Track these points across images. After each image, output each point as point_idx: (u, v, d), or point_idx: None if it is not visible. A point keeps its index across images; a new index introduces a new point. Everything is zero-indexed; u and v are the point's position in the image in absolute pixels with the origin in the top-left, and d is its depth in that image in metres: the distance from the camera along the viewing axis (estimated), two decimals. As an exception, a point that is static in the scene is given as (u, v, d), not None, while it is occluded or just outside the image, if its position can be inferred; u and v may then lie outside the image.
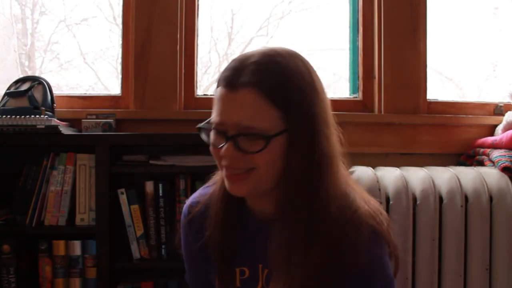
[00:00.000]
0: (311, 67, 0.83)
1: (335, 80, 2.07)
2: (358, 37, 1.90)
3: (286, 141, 0.77)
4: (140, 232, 1.52)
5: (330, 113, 0.83)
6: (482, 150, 1.70)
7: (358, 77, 1.89)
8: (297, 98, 0.77)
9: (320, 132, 0.79)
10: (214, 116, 0.79)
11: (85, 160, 1.53)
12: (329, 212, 0.78)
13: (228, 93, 0.77)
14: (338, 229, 0.78)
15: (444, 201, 1.49)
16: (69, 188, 1.52)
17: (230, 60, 0.82)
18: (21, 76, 1.71)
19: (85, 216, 1.54)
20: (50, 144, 1.54)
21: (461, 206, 1.48)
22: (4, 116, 1.49)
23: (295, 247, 0.78)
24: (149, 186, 1.53)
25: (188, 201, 0.98)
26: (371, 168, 1.58)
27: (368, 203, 0.83)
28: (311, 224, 0.78)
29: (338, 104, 1.85)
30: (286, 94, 0.76)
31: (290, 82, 0.77)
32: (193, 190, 1.54)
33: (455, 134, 1.83)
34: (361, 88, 1.88)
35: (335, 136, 0.83)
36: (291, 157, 0.77)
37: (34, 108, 1.56)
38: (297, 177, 0.78)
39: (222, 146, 0.78)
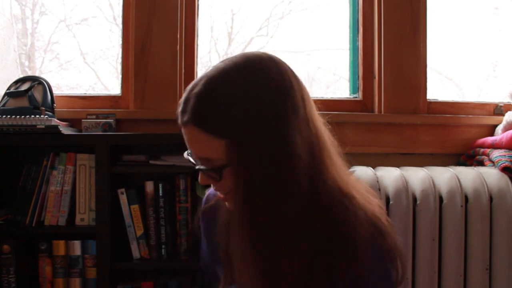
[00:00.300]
0: (270, 74, 0.77)
1: (335, 80, 2.07)
2: (358, 37, 1.90)
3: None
4: (140, 232, 1.52)
5: (300, 121, 0.77)
6: (482, 150, 1.70)
7: (358, 77, 1.89)
8: (238, 123, 0.74)
9: (269, 150, 0.74)
10: None
11: (85, 160, 1.53)
12: (290, 228, 0.76)
13: (182, 128, 0.79)
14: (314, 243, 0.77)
15: (444, 201, 1.49)
16: (69, 188, 1.53)
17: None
18: (21, 76, 1.71)
19: (85, 216, 1.54)
20: (50, 144, 1.54)
21: (461, 206, 1.48)
22: (4, 116, 1.49)
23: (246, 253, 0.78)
24: (149, 186, 1.53)
25: (207, 192, 1.01)
26: (371, 168, 1.58)
27: (367, 212, 0.80)
28: (264, 238, 0.76)
29: (338, 104, 1.86)
30: (225, 123, 0.74)
31: (228, 109, 0.74)
32: (193, 190, 1.54)
33: (455, 134, 1.84)
34: (361, 88, 1.88)
35: (304, 147, 0.76)
36: (242, 180, 0.76)
37: (34, 108, 1.56)
38: (247, 196, 0.76)
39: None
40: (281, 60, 0.81)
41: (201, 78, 0.77)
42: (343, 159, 0.86)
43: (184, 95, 0.78)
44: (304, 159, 0.76)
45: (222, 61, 0.79)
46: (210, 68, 0.79)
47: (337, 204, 0.79)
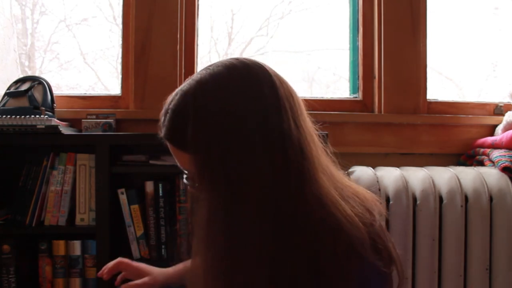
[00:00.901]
0: (247, 88, 0.73)
1: (335, 80, 2.07)
2: (358, 37, 1.90)
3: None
4: (140, 232, 1.52)
5: (275, 137, 0.72)
6: (482, 150, 1.70)
7: (358, 77, 1.89)
8: (202, 140, 0.72)
9: (228, 170, 0.71)
10: None
11: (85, 160, 1.53)
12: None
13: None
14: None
15: (444, 201, 1.49)
16: (69, 188, 1.52)
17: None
18: (21, 76, 1.71)
19: (85, 216, 1.54)
20: (50, 144, 1.54)
21: (461, 206, 1.48)
22: (4, 116, 1.49)
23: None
24: (149, 186, 1.53)
25: None
26: (371, 168, 1.58)
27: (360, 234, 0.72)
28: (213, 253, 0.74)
29: (338, 104, 1.86)
30: (190, 139, 0.73)
31: (196, 126, 0.72)
32: (193, 190, 1.54)
33: (455, 134, 1.84)
34: (361, 88, 1.88)
35: (279, 163, 0.71)
36: (204, 196, 0.74)
37: (34, 108, 1.56)
38: (205, 214, 0.74)
39: None
40: (263, 67, 0.76)
41: (176, 92, 0.78)
42: (336, 165, 0.81)
43: (164, 107, 0.79)
44: (278, 176, 0.71)
45: (200, 72, 0.77)
46: (190, 78, 0.78)
47: (319, 226, 0.71)
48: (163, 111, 0.78)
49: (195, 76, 0.77)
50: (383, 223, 0.79)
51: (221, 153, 0.71)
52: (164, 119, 0.77)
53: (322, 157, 0.78)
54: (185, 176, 0.80)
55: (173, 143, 0.77)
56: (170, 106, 0.77)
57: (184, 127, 0.73)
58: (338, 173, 0.81)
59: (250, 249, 0.71)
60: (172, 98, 0.78)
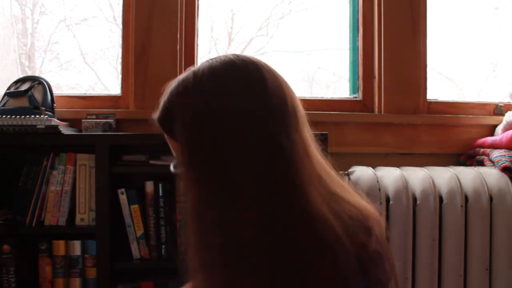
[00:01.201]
0: (242, 86, 0.72)
1: (335, 80, 2.07)
2: (358, 37, 1.90)
3: None
4: (140, 232, 1.52)
5: (265, 135, 0.70)
6: (482, 150, 1.70)
7: (358, 77, 1.89)
8: (191, 130, 0.72)
9: (218, 164, 0.70)
10: None
11: (85, 160, 1.53)
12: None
13: None
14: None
15: (444, 201, 1.49)
16: (69, 188, 1.52)
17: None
18: (21, 76, 1.71)
19: (85, 216, 1.54)
20: (50, 144, 1.54)
21: (461, 206, 1.48)
22: (4, 116, 1.49)
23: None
24: (149, 186, 1.53)
25: None
26: (371, 168, 1.58)
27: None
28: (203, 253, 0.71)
29: (338, 104, 1.85)
30: (178, 126, 0.73)
31: (186, 115, 0.73)
32: (193, 190, 1.54)
33: (455, 134, 1.84)
34: (361, 88, 1.88)
35: (271, 162, 0.69)
36: (187, 188, 0.75)
37: (34, 108, 1.56)
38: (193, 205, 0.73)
39: None
40: (260, 68, 0.75)
41: (175, 80, 0.79)
42: (337, 173, 0.78)
43: (165, 91, 0.80)
44: (269, 176, 0.69)
45: (202, 63, 0.78)
46: (190, 69, 0.79)
47: (305, 244, 0.68)
48: (163, 93, 0.79)
49: (195, 67, 0.79)
50: (384, 241, 0.75)
51: (206, 147, 0.70)
52: (159, 103, 0.79)
53: (318, 168, 0.74)
54: (173, 162, 0.81)
55: (162, 128, 0.79)
56: (167, 91, 0.78)
57: (173, 114, 0.75)
58: (338, 185, 0.76)
59: (243, 250, 0.68)
60: (170, 84, 0.79)
